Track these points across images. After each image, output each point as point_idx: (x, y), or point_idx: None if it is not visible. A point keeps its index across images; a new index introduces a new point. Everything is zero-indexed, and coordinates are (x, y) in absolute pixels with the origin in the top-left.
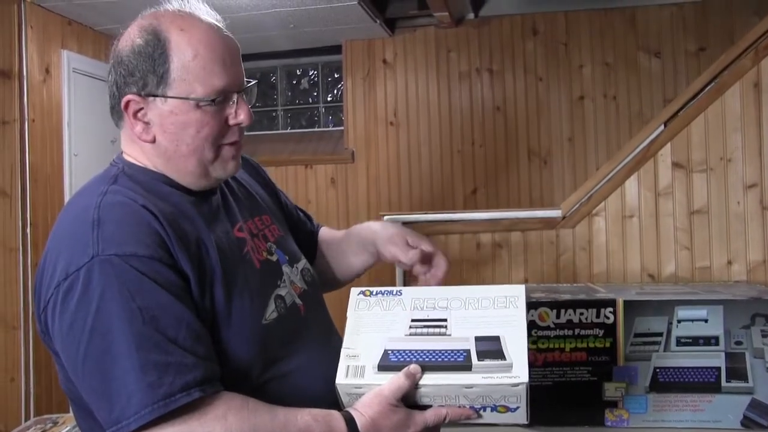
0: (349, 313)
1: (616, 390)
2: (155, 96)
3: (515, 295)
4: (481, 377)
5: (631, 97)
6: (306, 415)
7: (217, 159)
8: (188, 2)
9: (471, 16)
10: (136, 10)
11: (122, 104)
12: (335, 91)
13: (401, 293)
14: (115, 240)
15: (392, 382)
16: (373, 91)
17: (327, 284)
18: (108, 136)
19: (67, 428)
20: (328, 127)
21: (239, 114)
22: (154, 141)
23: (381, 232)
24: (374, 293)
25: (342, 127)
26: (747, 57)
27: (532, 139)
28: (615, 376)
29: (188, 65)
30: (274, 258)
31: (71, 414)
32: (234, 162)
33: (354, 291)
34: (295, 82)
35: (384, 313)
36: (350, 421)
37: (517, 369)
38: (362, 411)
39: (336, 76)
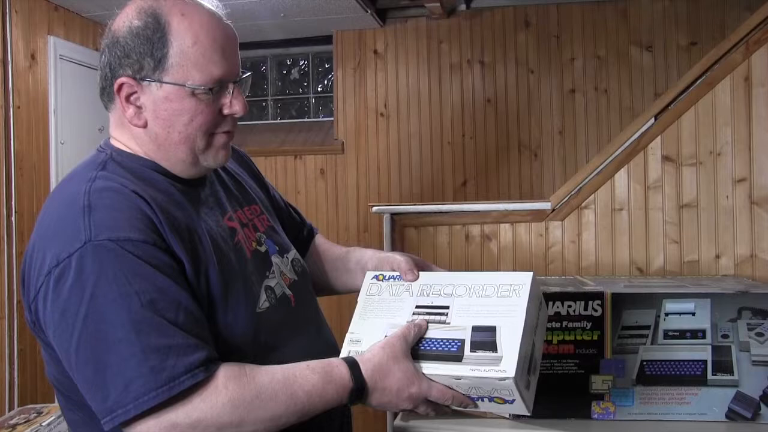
0: (359, 297)
1: (603, 383)
2: (150, 80)
3: (520, 283)
4: (469, 369)
5: (623, 90)
6: (305, 369)
7: (209, 148)
8: None
9: (463, 7)
10: None
11: (115, 87)
12: (325, 82)
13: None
14: (108, 225)
15: (407, 328)
16: (363, 82)
17: (321, 290)
18: (95, 124)
19: (52, 418)
20: (318, 117)
21: (234, 104)
22: (145, 126)
23: (386, 255)
24: (387, 278)
25: (332, 118)
26: (738, 51)
27: (522, 132)
28: (602, 368)
29: (187, 51)
30: (263, 248)
31: (56, 404)
32: (224, 151)
33: (368, 275)
34: (285, 72)
35: (392, 299)
36: (353, 366)
37: (506, 363)
38: (370, 355)
39: (326, 66)
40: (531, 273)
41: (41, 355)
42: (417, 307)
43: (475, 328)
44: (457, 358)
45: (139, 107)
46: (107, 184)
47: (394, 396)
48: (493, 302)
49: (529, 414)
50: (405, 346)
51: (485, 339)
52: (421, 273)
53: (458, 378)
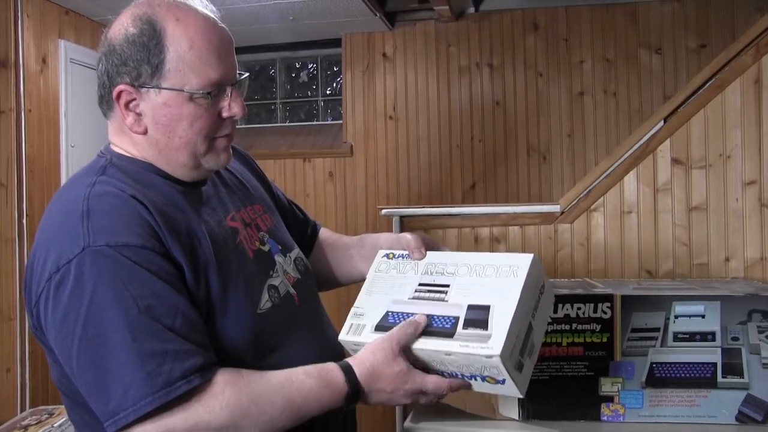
0: (368, 274)
1: (612, 385)
2: (149, 87)
3: (520, 264)
4: (458, 345)
5: (631, 93)
6: (300, 374)
7: (210, 151)
8: None
9: (471, 10)
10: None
11: (114, 94)
12: (334, 85)
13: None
14: (106, 230)
15: (401, 328)
16: (372, 85)
17: (325, 284)
18: (105, 128)
19: (63, 419)
20: (327, 120)
21: (233, 107)
22: (145, 132)
23: (400, 235)
24: (396, 256)
25: (341, 121)
26: (748, 53)
27: (531, 135)
28: (611, 371)
29: (184, 56)
30: (266, 248)
31: None
32: (226, 154)
33: (380, 253)
34: (294, 75)
35: (397, 276)
36: (348, 371)
37: (494, 341)
38: (362, 358)
39: (335, 69)
40: (531, 255)
41: None
42: (420, 285)
43: (470, 307)
44: (450, 334)
45: (139, 114)
46: (106, 189)
47: (390, 395)
48: (492, 282)
49: (521, 396)
50: (397, 347)
51: (478, 317)
52: (429, 252)
53: (448, 354)
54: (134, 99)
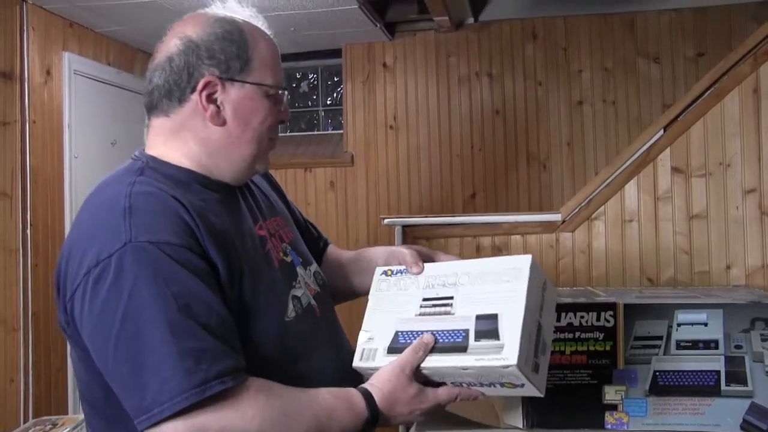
0: (370, 294)
1: (615, 393)
2: (235, 80)
3: (519, 267)
4: (474, 359)
5: (630, 102)
6: (326, 394)
7: (268, 152)
8: (225, 5)
9: (471, 20)
10: (138, 12)
11: (200, 86)
12: (335, 95)
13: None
14: (148, 227)
15: (410, 353)
16: (372, 95)
17: (335, 297)
18: (108, 138)
19: (66, 430)
20: (328, 130)
21: (286, 111)
22: (223, 125)
23: (394, 249)
24: (395, 272)
25: (341, 131)
26: (746, 62)
27: (531, 144)
28: (615, 379)
29: (264, 56)
30: (289, 259)
31: (71, 415)
32: (268, 159)
33: (378, 270)
34: (294, 85)
35: (399, 293)
36: (368, 398)
37: (507, 351)
38: (380, 385)
39: (336, 79)
40: (529, 256)
41: (55, 367)
42: (424, 299)
43: (478, 317)
44: (463, 348)
45: (218, 107)
46: (147, 188)
47: (407, 416)
48: (495, 289)
49: (541, 396)
50: (410, 373)
51: (488, 327)
52: (426, 265)
53: (465, 369)
54: (216, 91)
